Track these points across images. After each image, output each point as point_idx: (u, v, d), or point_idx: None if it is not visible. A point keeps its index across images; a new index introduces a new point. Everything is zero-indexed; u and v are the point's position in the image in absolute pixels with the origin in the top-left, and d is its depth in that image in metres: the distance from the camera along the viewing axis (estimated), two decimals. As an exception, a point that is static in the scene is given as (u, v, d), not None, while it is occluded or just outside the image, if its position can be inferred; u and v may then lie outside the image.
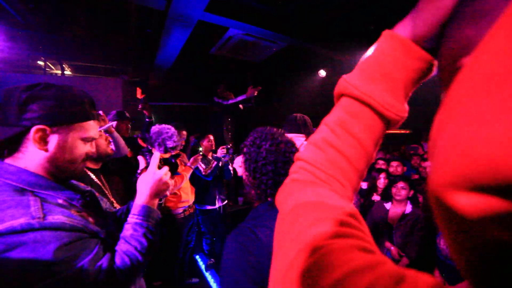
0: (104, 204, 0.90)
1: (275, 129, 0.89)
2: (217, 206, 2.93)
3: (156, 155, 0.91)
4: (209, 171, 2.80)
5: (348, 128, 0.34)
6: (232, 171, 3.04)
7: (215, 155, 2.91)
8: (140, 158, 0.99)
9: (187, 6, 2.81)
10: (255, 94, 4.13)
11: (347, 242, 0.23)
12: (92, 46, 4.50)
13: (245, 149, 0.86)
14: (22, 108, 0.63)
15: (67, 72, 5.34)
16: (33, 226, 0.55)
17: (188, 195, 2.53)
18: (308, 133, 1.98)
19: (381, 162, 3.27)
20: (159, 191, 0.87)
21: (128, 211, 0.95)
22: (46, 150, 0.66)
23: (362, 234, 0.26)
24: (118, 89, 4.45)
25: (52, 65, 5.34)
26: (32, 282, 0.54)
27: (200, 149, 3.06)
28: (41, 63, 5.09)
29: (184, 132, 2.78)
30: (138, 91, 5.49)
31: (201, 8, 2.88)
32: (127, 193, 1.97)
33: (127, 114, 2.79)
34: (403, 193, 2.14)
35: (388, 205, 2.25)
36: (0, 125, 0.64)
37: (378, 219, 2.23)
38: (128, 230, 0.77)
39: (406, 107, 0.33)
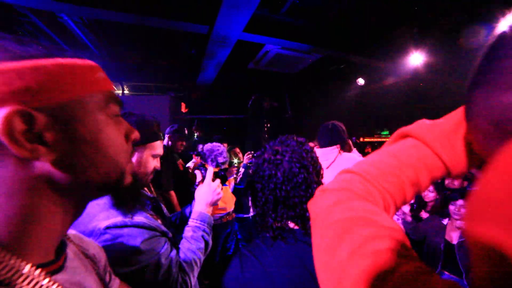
0: (164, 209, 1.06)
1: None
2: (250, 214, 3.00)
3: (211, 170, 1.09)
4: (238, 178, 2.93)
5: (414, 166, 0.35)
6: None
7: (244, 162, 3.02)
8: (197, 172, 1.14)
9: (227, 28, 3.09)
10: (269, 106, 4.27)
11: (415, 265, 0.24)
12: (146, 69, 5.17)
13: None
14: None
15: (126, 91, 6.19)
16: (126, 223, 0.72)
17: (226, 204, 2.70)
18: (342, 142, 1.95)
19: None
20: (213, 200, 1.03)
21: (182, 216, 1.14)
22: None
23: (415, 253, 0.27)
24: (166, 105, 4.97)
25: (114, 86, 6.27)
26: (122, 266, 0.68)
27: (235, 160, 3.23)
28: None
29: (225, 145, 2.98)
30: (183, 105, 6.06)
31: (240, 29, 3.13)
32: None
33: (186, 131, 2.86)
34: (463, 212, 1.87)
35: (445, 221, 2.06)
36: None
37: (432, 235, 2.04)
38: (189, 231, 0.93)
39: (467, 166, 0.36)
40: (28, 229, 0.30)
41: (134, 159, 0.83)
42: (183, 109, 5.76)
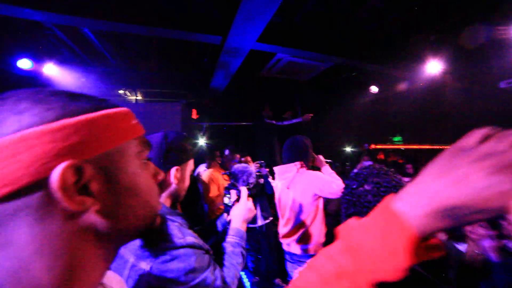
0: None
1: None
2: (258, 224, 2.97)
3: (244, 190, 1.20)
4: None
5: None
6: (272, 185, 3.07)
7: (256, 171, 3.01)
8: (232, 192, 1.28)
9: (240, 40, 3.10)
10: (309, 119, 4.23)
11: None
12: (159, 76, 5.26)
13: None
14: (166, 157, 0.88)
15: (139, 97, 6.32)
16: (182, 244, 0.77)
17: None
18: (304, 158, 1.87)
19: None
20: (250, 217, 1.14)
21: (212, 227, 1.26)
22: (177, 182, 0.90)
23: None
24: (178, 111, 5.02)
25: (129, 92, 6.40)
26: (178, 285, 0.74)
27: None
28: (121, 91, 6.16)
29: (238, 156, 2.99)
30: (194, 112, 6.12)
31: (253, 40, 3.13)
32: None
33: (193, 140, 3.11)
34: (481, 231, 1.80)
35: (462, 247, 1.94)
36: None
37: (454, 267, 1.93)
38: (229, 247, 1.00)
39: None
40: (73, 283, 0.29)
41: (178, 176, 0.90)
42: (194, 116, 5.81)
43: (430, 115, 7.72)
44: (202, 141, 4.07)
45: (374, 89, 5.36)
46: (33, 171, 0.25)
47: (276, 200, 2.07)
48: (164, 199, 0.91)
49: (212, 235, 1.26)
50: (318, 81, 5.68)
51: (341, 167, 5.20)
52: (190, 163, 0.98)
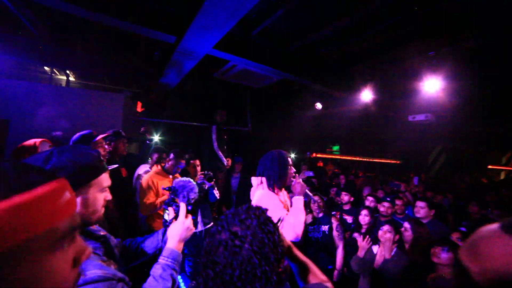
0: (112, 242, 0.99)
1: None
2: (198, 230, 2.94)
3: (183, 206, 1.13)
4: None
5: None
6: (218, 195, 3.05)
7: (199, 180, 2.90)
8: (170, 209, 1.20)
9: (196, 44, 3.01)
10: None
11: None
12: (100, 61, 4.65)
13: None
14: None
15: (72, 79, 5.46)
16: (79, 283, 0.67)
17: None
18: (274, 177, 1.63)
19: (370, 199, 3.22)
20: (187, 236, 1.08)
21: (138, 243, 1.14)
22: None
23: None
24: (120, 103, 4.55)
25: (57, 71, 5.47)
26: None
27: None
28: (47, 69, 5.21)
29: (183, 161, 2.90)
30: (139, 105, 5.64)
31: (209, 47, 3.08)
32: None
33: (123, 134, 2.91)
34: (388, 236, 2.15)
35: (375, 248, 2.30)
36: None
37: (365, 263, 2.28)
38: (158, 269, 0.94)
39: None
40: None
41: (78, 201, 0.77)
42: (139, 109, 5.37)
43: (362, 133, 8.94)
44: (147, 139, 3.76)
45: (318, 106, 5.88)
46: None
47: None
48: None
49: (143, 254, 1.15)
50: (270, 90, 5.91)
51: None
52: (98, 182, 0.81)
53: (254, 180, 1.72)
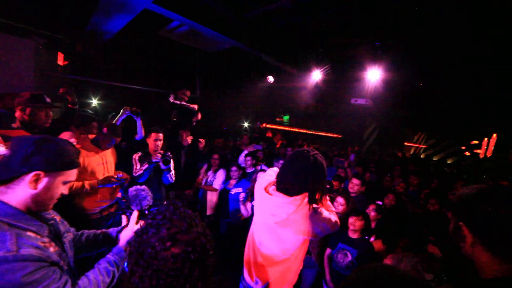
0: (64, 227, 1.06)
1: None
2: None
3: (135, 214, 1.21)
4: (139, 172, 2.67)
5: None
6: (172, 179, 2.85)
7: (154, 159, 2.68)
8: (124, 217, 1.26)
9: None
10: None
11: None
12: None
13: None
14: (27, 159, 0.81)
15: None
16: (7, 258, 0.72)
17: (108, 196, 2.42)
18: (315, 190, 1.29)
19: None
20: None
21: (96, 236, 1.23)
22: (35, 189, 0.84)
23: None
24: (29, 52, 3.62)
25: None
26: None
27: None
28: None
29: (118, 139, 2.59)
30: (60, 56, 4.58)
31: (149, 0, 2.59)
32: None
33: (48, 100, 2.14)
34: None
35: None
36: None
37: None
38: (103, 263, 1.02)
39: None
40: None
41: (43, 185, 0.85)
42: (61, 62, 4.41)
43: (311, 108, 9.41)
44: (70, 103, 2.99)
45: (270, 78, 5.83)
46: None
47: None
48: (20, 204, 0.84)
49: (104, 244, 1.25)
50: (222, 57, 5.52)
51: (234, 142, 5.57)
52: (67, 174, 0.91)
53: (293, 200, 1.29)
